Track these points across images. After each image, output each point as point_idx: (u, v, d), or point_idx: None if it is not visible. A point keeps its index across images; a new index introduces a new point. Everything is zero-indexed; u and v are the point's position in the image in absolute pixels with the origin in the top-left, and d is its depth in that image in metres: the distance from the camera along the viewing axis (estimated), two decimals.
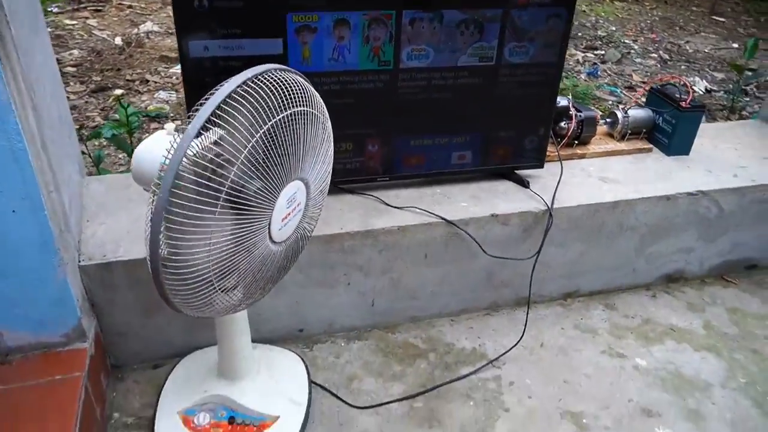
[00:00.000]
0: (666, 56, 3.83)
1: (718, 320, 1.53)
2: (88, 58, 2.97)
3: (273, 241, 0.89)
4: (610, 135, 1.65)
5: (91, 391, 1.10)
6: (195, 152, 0.74)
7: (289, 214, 0.89)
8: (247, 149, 0.76)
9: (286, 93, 0.81)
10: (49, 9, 3.46)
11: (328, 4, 1.15)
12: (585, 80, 3.34)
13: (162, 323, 1.25)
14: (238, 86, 0.76)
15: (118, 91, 2.68)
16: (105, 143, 2.11)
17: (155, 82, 2.82)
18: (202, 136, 0.75)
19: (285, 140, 0.81)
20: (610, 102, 3.02)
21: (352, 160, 1.33)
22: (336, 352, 1.38)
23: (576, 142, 1.56)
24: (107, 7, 3.74)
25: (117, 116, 1.80)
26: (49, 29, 3.06)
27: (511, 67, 1.29)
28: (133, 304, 1.20)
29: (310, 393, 1.24)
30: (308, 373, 1.28)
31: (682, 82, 1.59)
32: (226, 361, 1.17)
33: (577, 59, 3.65)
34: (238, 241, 0.81)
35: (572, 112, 1.51)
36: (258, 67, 0.80)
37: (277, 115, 0.79)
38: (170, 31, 3.40)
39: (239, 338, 1.14)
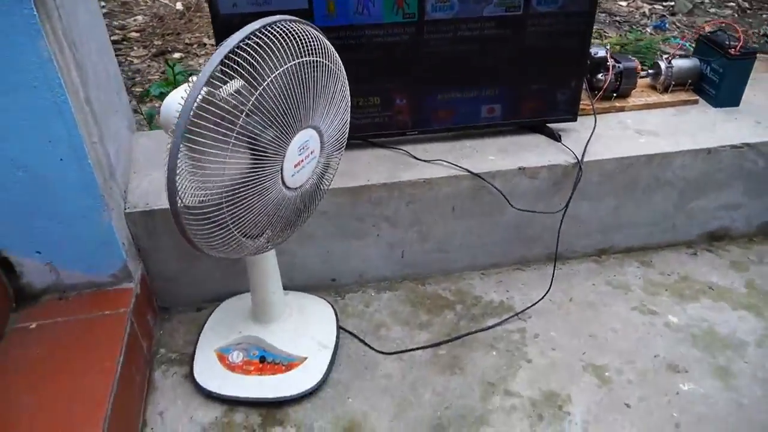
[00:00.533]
0: (745, 4, 3.56)
1: (763, 279, 1.47)
2: (151, 24, 3.11)
3: (287, 187, 0.94)
4: (653, 87, 1.58)
5: (137, 326, 1.20)
6: (204, 98, 0.80)
7: (302, 161, 0.94)
8: (255, 97, 0.81)
9: (295, 43, 0.84)
10: None
11: None
12: (651, 34, 3.17)
13: (202, 270, 1.35)
14: (246, 36, 0.80)
15: (177, 55, 2.79)
16: (160, 103, 2.23)
17: (212, 45, 2.91)
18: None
19: (294, 88, 0.85)
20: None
21: (381, 114, 1.35)
22: (366, 301, 1.44)
23: (615, 95, 1.51)
24: None
25: None
26: None
27: (539, 17, 1.26)
28: (175, 250, 1.30)
29: (337, 337, 1.30)
30: (337, 318, 1.34)
31: (733, 28, 1.50)
32: (259, 306, 1.25)
33: (643, 12, 3.45)
34: (252, 184, 0.87)
35: (610, 63, 1.46)
36: (267, 18, 0.84)
37: (286, 64, 0.83)
38: None
39: (270, 284, 1.21)
